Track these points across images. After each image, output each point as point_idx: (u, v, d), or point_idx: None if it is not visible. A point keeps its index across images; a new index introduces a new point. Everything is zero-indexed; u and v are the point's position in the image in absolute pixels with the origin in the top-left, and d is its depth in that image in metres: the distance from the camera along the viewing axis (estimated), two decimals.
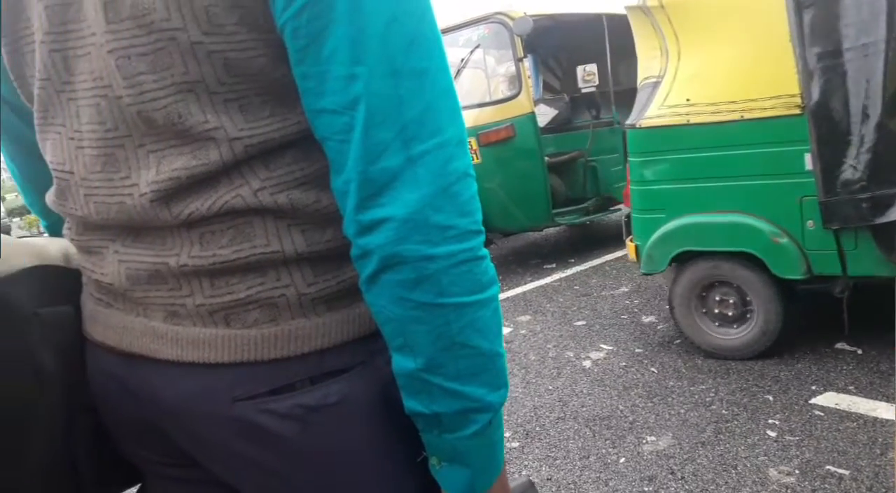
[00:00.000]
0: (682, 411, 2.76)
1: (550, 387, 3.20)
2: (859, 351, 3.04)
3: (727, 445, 2.45)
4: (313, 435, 0.65)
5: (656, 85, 3.08)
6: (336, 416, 0.65)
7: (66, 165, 0.68)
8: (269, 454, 0.65)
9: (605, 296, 4.52)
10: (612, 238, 6.27)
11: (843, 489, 2.09)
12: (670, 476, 2.30)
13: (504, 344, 0.64)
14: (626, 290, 4.58)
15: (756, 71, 2.82)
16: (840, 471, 2.19)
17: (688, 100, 2.97)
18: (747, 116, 2.81)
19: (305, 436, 0.64)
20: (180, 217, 0.62)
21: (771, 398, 2.75)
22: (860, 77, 2.47)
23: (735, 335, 3.13)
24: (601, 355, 3.51)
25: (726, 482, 2.22)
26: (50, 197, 0.74)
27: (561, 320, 4.18)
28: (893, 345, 2.60)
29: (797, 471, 2.22)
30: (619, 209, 6.31)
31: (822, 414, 2.57)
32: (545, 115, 6.20)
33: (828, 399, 2.68)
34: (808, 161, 2.66)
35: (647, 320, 3.94)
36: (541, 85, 6.81)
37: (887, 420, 2.44)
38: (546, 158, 5.36)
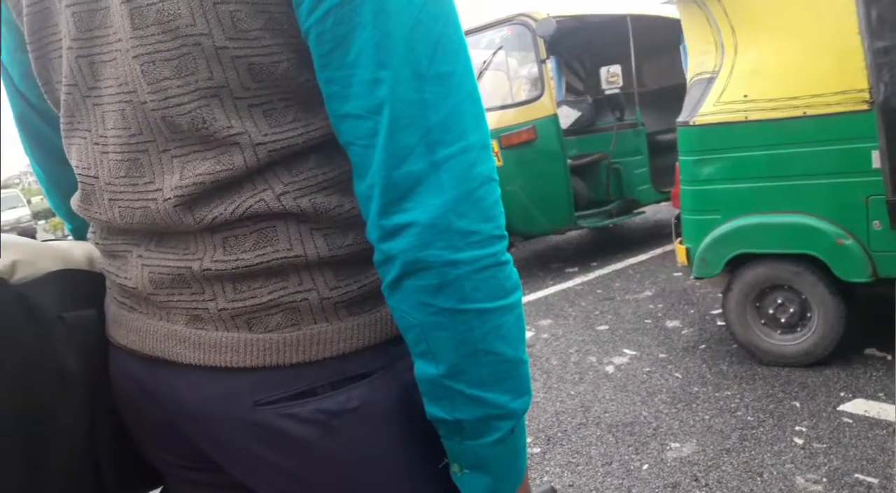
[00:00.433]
0: (707, 417, 2.73)
1: (573, 392, 3.17)
2: (889, 357, 2.98)
3: (753, 452, 2.41)
4: (334, 440, 0.64)
5: (710, 81, 2.94)
6: (357, 421, 0.65)
7: (91, 170, 0.68)
8: (290, 459, 0.65)
9: (629, 300, 4.48)
10: (635, 241, 6.23)
11: None
12: (694, 484, 2.27)
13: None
14: (649, 294, 4.54)
15: (820, 65, 2.68)
16: (869, 479, 2.14)
17: (745, 96, 2.84)
18: (810, 112, 2.69)
19: (326, 441, 0.64)
20: (204, 222, 0.62)
21: (798, 405, 2.71)
22: None
23: (791, 342, 3.02)
24: (624, 360, 3.48)
25: (752, 490, 2.18)
26: (75, 201, 0.74)
27: (583, 324, 4.15)
28: None
29: (825, 479, 2.18)
30: (643, 212, 6.28)
31: (850, 421, 2.52)
32: (568, 116, 6.17)
33: (857, 406, 2.62)
34: (876, 159, 2.55)
35: (671, 324, 3.89)
36: (563, 87, 6.79)
37: None
38: (569, 161, 5.32)
